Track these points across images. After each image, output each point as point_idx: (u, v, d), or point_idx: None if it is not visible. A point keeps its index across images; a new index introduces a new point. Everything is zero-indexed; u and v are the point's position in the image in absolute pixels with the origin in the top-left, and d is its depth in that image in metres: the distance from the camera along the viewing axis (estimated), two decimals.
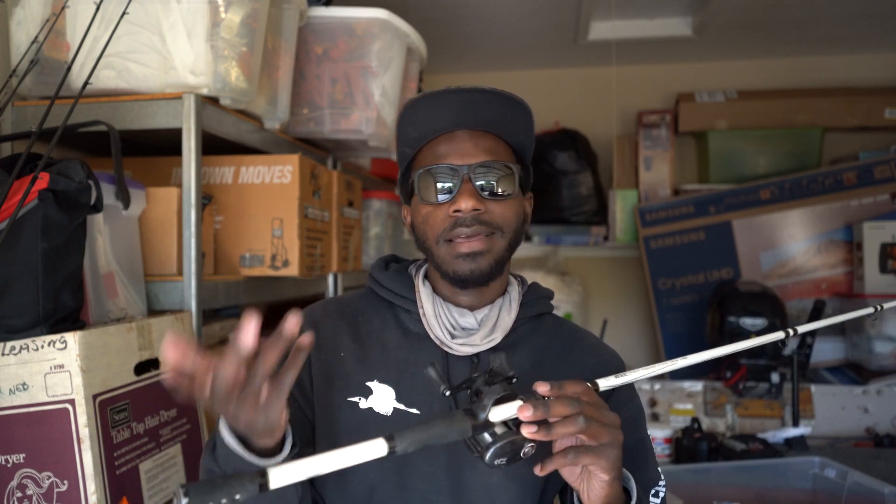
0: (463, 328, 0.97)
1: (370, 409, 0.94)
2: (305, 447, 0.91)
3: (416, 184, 0.96)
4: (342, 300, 1.06)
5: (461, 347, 0.95)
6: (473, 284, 0.95)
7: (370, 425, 0.93)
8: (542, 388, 0.73)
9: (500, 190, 0.94)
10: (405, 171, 1.02)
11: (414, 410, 0.93)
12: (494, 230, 0.93)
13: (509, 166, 0.95)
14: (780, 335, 0.93)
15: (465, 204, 0.91)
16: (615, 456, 0.76)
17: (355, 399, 0.95)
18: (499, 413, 0.70)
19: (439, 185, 0.93)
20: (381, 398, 0.94)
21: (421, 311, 0.97)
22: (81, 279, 1.18)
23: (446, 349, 0.95)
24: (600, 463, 0.74)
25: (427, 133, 0.96)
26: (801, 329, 1.02)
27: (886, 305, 1.13)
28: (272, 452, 0.74)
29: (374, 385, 0.94)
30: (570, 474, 0.79)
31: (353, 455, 0.59)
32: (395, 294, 1.01)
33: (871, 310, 1.13)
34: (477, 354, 0.95)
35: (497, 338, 0.96)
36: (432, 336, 0.96)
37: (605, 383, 0.78)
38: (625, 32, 2.94)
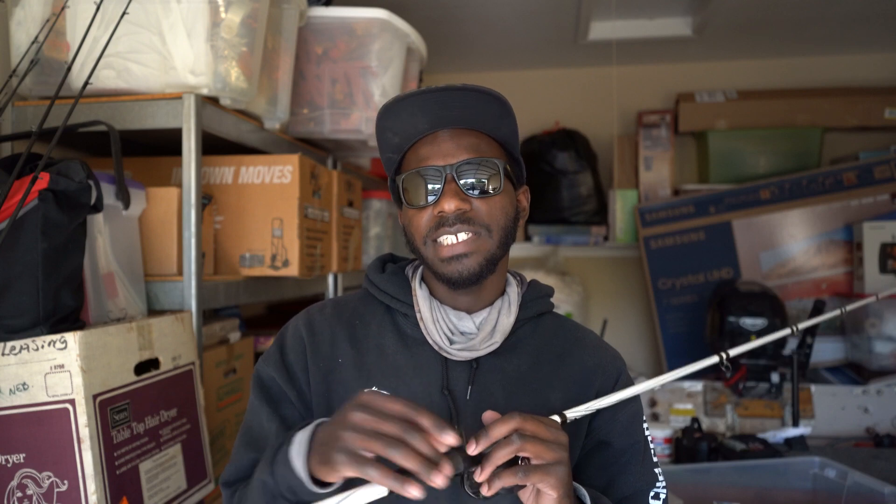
0: (462, 333, 0.96)
1: None
2: None
3: (402, 188, 0.95)
4: (339, 302, 1.05)
5: (460, 353, 0.94)
6: (465, 285, 0.93)
7: None
8: (470, 447, 0.73)
9: (486, 187, 0.93)
10: (393, 176, 1.01)
11: None
12: (480, 229, 0.92)
13: (494, 162, 0.93)
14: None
15: (449, 205, 0.90)
16: (563, 473, 0.76)
17: None
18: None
19: (424, 188, 0.93)
20: None
21: (418, 315, 0.96)
22: (81, 279, 1.18)
23: (445, 355, 0.94)
24: (548, 480, 0.74)
25: (408, 137, 0.95)
26: (802, 325, 1.12)
27: (882, 295, 1.35)
28: (326, 485, 0.75)
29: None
30: (522, 496, 0.79)
31: (364, 495, 0.68)
32: (391, 297, 1.00)
33: (872, 298, 1.39)
34: (477, 359, 0.95)
35: (497, 341, 0.95)
36: (430, 342, 0.95)
37: (572, 414, 0.81)
38: (625, 32, 2.94)
